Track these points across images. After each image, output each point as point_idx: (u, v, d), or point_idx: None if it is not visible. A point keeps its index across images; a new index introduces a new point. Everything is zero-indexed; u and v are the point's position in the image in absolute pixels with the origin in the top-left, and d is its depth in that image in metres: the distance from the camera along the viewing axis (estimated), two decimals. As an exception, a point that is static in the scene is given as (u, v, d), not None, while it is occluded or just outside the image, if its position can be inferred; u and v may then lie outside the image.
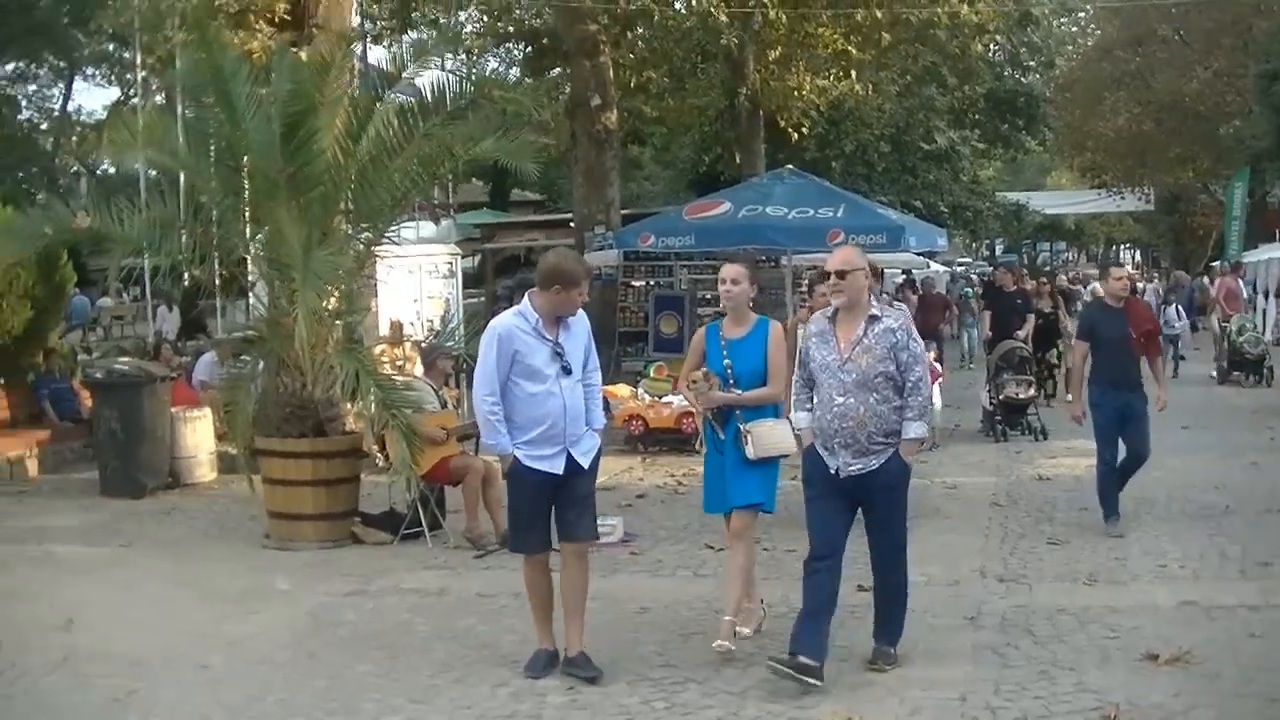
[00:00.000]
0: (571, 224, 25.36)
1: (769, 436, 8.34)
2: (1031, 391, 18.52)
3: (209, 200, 12.68)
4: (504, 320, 8.03)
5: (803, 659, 7.42)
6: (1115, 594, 9.67)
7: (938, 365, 15.49)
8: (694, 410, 16.72)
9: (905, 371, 7.60)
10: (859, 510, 7.87)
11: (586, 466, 7.99)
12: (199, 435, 15.88)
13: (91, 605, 9.89)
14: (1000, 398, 18.30)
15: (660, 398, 17.78)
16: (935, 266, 36.90)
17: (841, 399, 7.64)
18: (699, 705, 7.39)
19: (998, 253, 75.31)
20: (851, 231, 18.33)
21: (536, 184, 45.02)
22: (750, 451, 8.30)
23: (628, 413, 17.56)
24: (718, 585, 9.90)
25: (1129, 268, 12.31)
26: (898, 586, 8.07)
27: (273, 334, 12.43)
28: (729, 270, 8.53)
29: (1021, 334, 19.86)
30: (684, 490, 14.51)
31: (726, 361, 8.43)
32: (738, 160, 31.49)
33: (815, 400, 7.85)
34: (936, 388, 16.10)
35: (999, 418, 18.32)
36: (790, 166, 23.51)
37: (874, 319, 7.72)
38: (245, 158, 12.39)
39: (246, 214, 12.67)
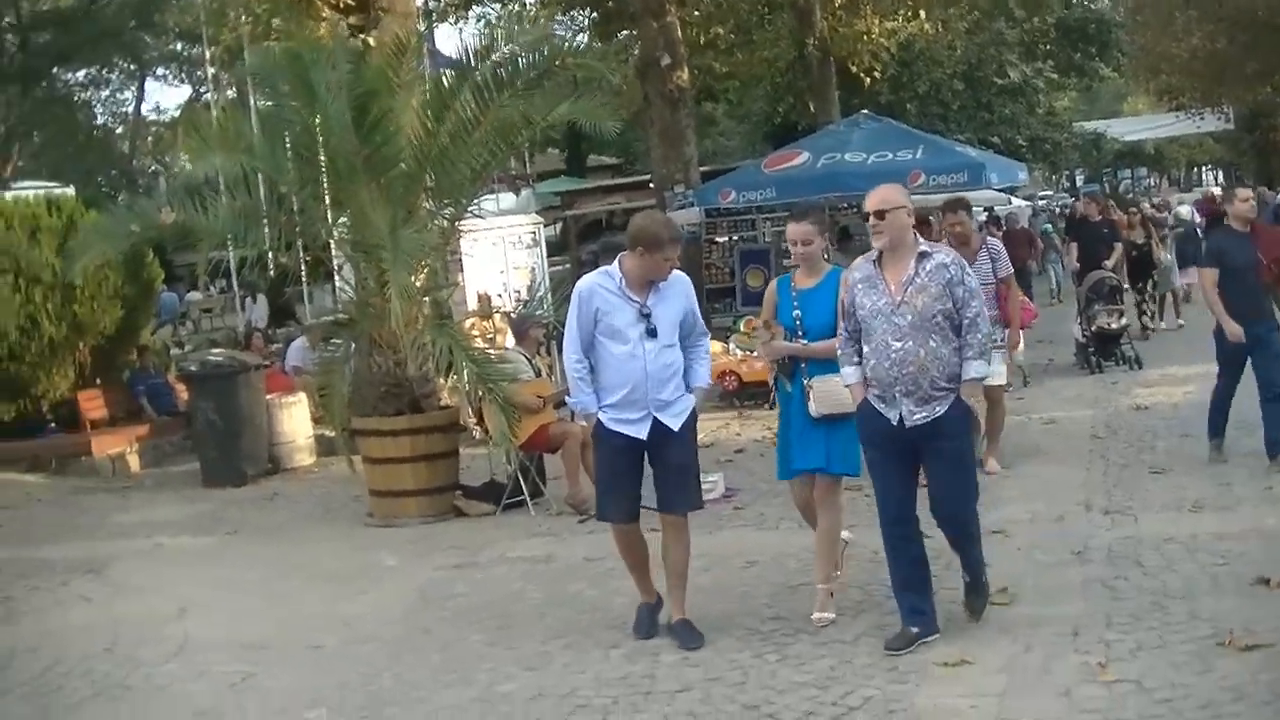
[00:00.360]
0: (651, 185, 25.30)
1: (835, 393, 7.79)
2: (1124, 321, 18.37)
3: (288, 189, 12.79)
4: (588, 280, 7.94)
5: (913, 629, 7.35)
6: (1222, 520, 9.57)
7: (1031, 303, 15.36)
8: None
9: (962, 308, 7.11)
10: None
11: (677, 429, 7.77)
12: (295, 420, 16.04)
13: (202, 594, 10.02)
14: (1092, 329, 18.14)
15: (752, 352, 17.74)
16: (1017, 202, 36.60)
17: (899, 344, 7.14)
18: (812, 656, 7.39)
19: (1078, 183, 74.38)
20: (932, 172, 18.26)
21: (613, 147, 45.15)
22: (812, 408, 7.89)
23: (720, 369, 17.48)
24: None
25: (1247, 189, 11.49)
26: (971, 537, 7.58)
27: (362, 315, 12.53)
28: (796, 231, 8.08)
29: (1109, 263, 19.61)
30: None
31: (796, 313, 8.07)
32: (812, 109, 31.29)
33: (866, 349, 7.32)
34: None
35: (1092, 349, 18.16)
36: (865, 111, 23.40)
37: (924, 256, 7.23)
38: (322, 142, 12.47)
39: (327, 199, 12.76)
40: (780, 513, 10.86)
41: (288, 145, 12.91)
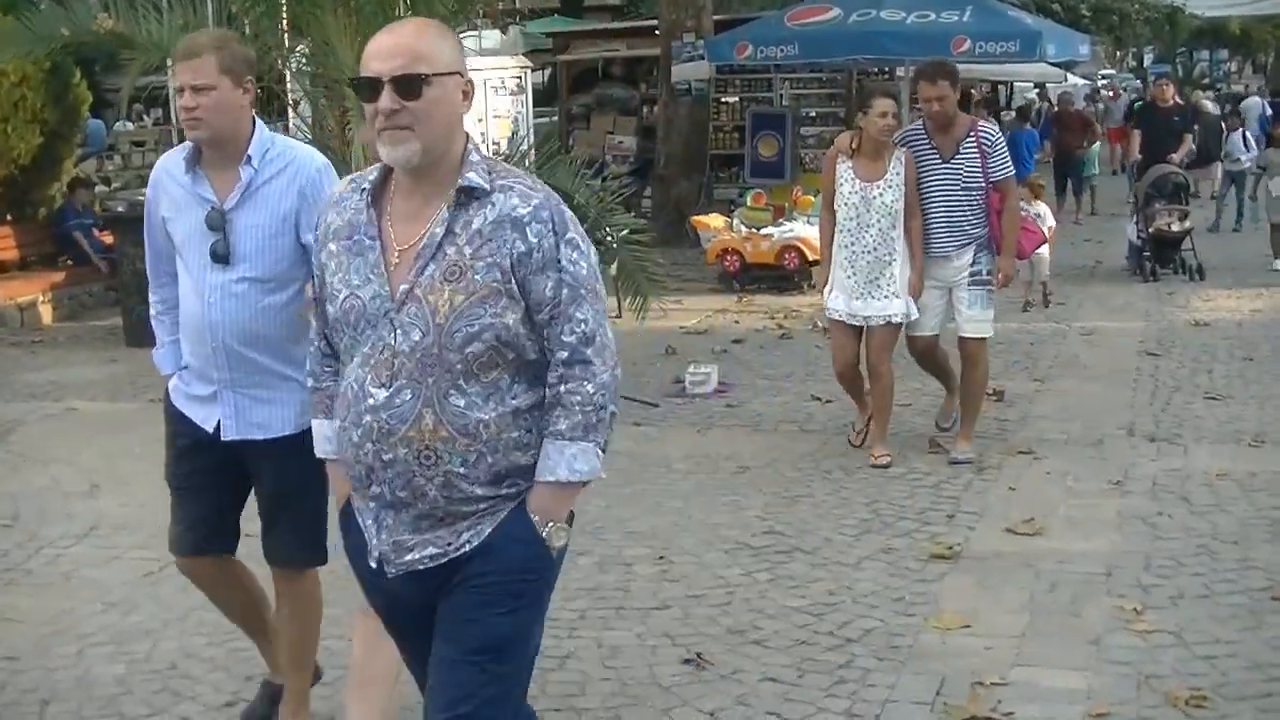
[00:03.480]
0: (656, 32, 25.04)
1: None
2: (1187, 223, 18.20)
3: (240, 7, 12.64)
4: (163, 159, 5.56)
5: None
6: (1285, 456, 9.60)
7: (1041, 217, 15.16)
8: (798, 246, 16.88)
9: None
10: None
11: (262, 439, 5.32)
12: None
13: (118, 468, 9.96)
14: (1150, 230, 18.01)
15: (759, 229, 17.71)
16: (1074, 79, 36.47)
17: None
18: (808, 578, 7.43)
19: (1146, 63, 74.04)
20: (979, 38, 18.06)
21: (615, -16, 44.56)
22: None
23: (721, 246, 17.56)
24: (826, 441, 10.11)
25: None
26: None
27: None
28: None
29: (1177, 157, 19.44)
30: (786, 334, 14.56)
31: None
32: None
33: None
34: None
35: (1148, 253, 18.09)
36: (908, -37, 23.19)
37: None
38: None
39: (285, 22, 12.60)
40: (779, 413, 10.91)
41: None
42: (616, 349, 3.80)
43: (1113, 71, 63.26)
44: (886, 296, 9.42)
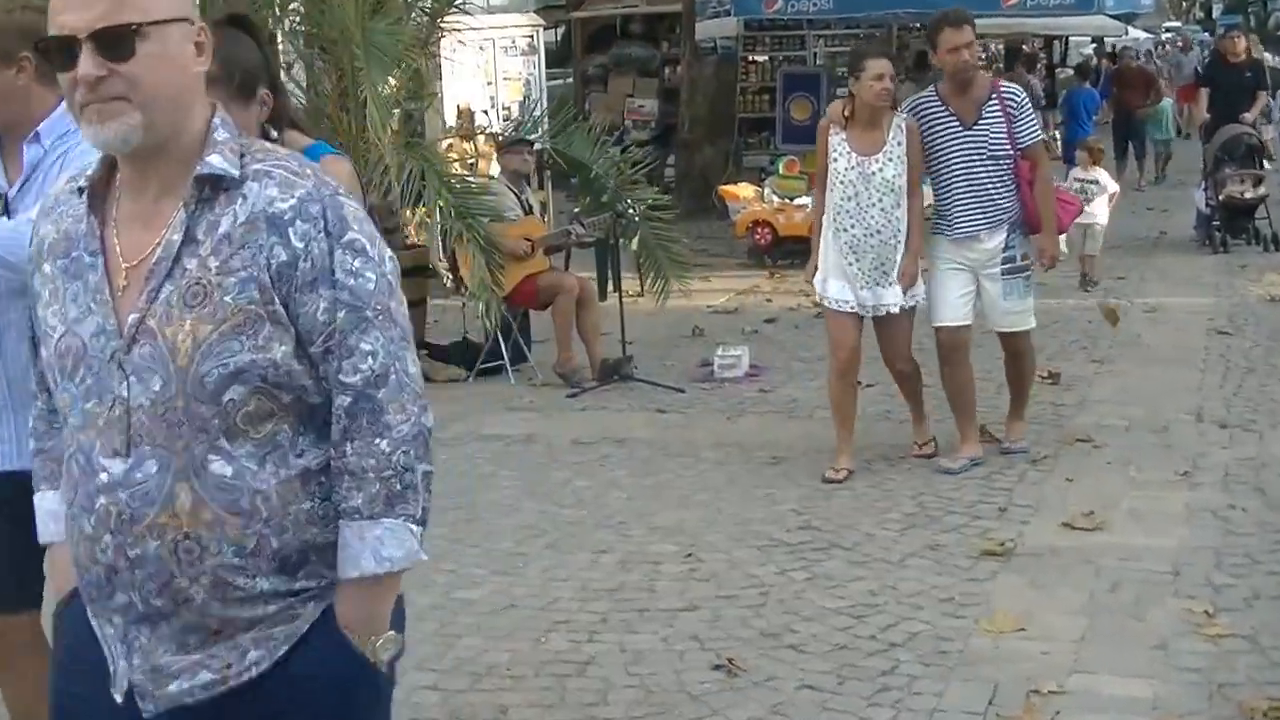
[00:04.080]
0: (679, -15, 25.06)
1: None
2: (1261, 190, 18.02)
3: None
4: None
5: None
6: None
7: (1075, 183, 15.06)
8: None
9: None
10: None
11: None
12: None
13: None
14: (1220, 198, 17.90)
15: (792, 199, 17.68)
16: (1135, 33, 36.31)
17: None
18: (848, 577, 7.41)
19: (1215, 14, 73.69)
20: (1033, -11, 18.03)
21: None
22: None
23: (751, 218, 17.52)
24: (866, 428, 9.97)
25: None
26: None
27: (313, 126, 12.28)
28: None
29: (1250, 117, 19.15)
30: (822, 313, 14.43)
31: None
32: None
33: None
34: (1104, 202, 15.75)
35: (1218, 223, 18.00)
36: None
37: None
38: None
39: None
40: (816, 399, 10.83)
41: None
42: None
43: (1178, 24, 62.91)
44: (897, 283, 9.04)
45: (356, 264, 2.99)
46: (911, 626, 6.77)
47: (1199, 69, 25.52)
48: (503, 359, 12.28)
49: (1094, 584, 7.21)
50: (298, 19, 12.75)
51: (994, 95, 9.08)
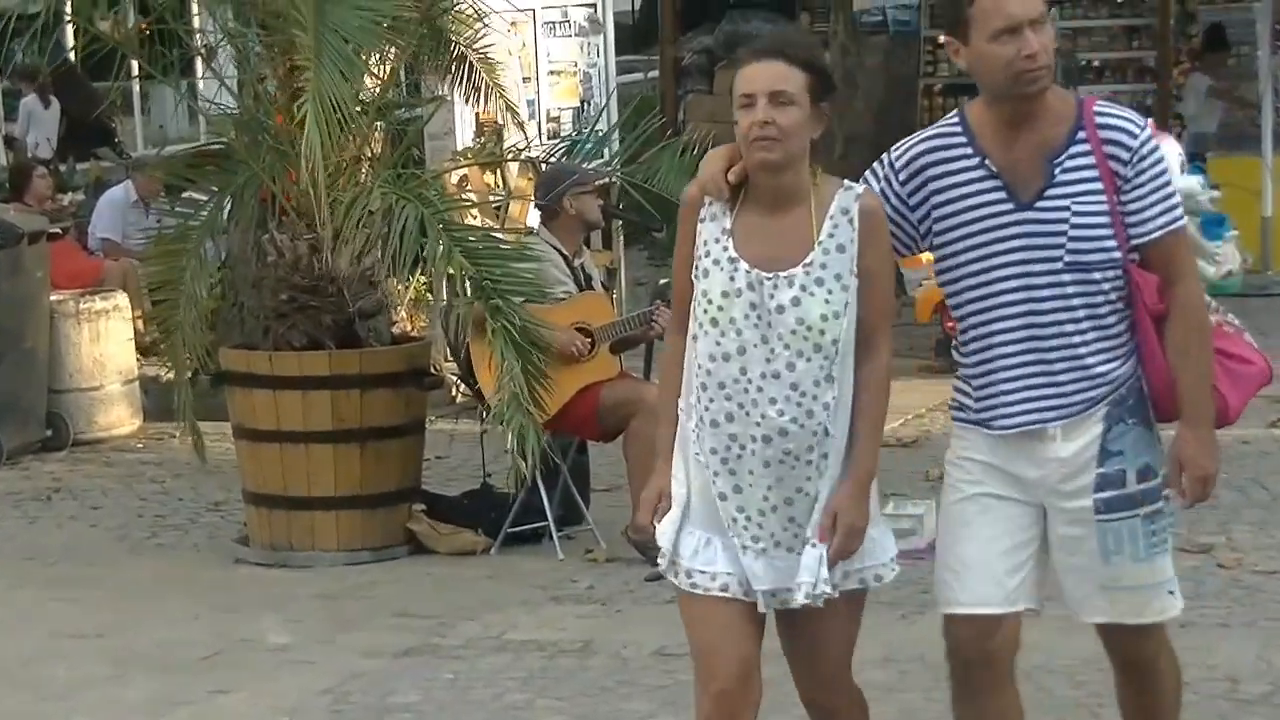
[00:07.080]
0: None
1: None
2: None
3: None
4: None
5: None
6: None
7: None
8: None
9: None
10: None
11: None
12: (106, 346, 13.63)
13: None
14: None
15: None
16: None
17: None
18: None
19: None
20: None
21: None
22: None
23: (933, 298, 13.65)
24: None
25: None
26: None
27: (252, 143, 10.66)
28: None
29: None
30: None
31: None
32: None
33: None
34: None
35: None
36: None
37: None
38: None
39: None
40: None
41: None
42: None
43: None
44: (819, 543, 4.86)
45: None
46: None
47: None
48: (545, 519, 10.16)
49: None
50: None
51: (1083, 129, 4.85)
